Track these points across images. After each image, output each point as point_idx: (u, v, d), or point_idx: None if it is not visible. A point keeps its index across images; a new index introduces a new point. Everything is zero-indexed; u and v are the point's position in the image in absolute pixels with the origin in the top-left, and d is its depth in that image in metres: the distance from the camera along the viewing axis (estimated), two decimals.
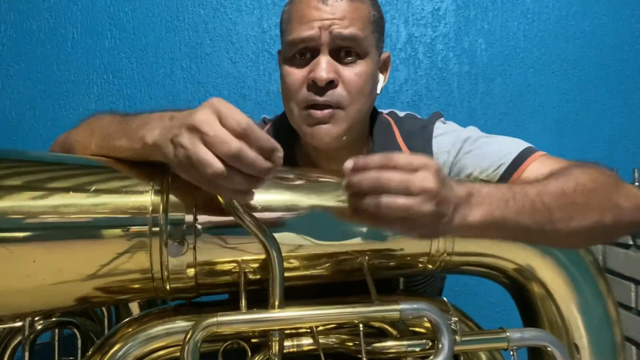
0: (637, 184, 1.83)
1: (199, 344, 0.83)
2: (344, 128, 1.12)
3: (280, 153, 0.81)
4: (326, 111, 1.10)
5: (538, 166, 1.07)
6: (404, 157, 0.81)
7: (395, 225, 0.82)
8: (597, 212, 0.95)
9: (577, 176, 0.96)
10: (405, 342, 0.92)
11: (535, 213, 0.89)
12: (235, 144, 0.77)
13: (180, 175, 0.84)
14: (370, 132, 1.27)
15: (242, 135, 0.78)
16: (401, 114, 1.34)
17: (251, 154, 0.78)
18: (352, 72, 1.11)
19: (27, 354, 1.17)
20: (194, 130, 0.78)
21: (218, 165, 0.77)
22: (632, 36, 2.07)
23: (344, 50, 1.12)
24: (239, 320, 0.84)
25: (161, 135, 0.84)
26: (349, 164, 0.82)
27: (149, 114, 0.93)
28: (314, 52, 1.12)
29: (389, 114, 1.34)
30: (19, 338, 1.25)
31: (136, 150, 0.91)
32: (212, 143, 0.77)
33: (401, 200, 0.78)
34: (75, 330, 1.25)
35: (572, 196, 0.93)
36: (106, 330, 1.32)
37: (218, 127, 0.78)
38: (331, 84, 1.09)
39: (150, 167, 0.93)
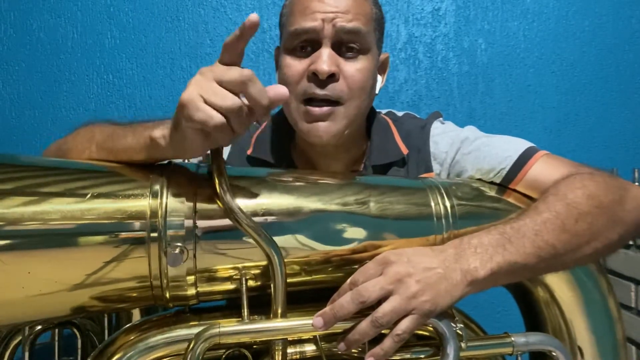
0: (637, 183, 1.83)
1: (200, 356, 0.82)
2: (343, 125, 1.11)
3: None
4: (325, 108, 1.09)
5: (541, 167, 1.06)
6: (359, 274, 0.88)
7: (409, 326, 0.85)
8: (602, 236, 0.96)
9: (578, 202, 0.95)
10: (409, 349, 0.91)
11: (539, 251, 0.90)
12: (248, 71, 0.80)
13: (185, 124, 0.82)
14: (368, 132, 1.27)
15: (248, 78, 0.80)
16: (399, 113, 1.34)
17: (265, 95, 0.81)
18: (354, 67, 1.11)
19: (27, 354, 1.17)
20: (207, 71, 0.81)
21: (237, 100, 0.79)
22: (632, 36, 2.07)
23: (345, 45, 1.11)
24: (241, 330, 0.84)
25: (171, 126, 0.85)
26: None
27: (161, 119, 0.93)
28: (316, 45, 1.11)
29: (387, 113, 1.33)
30: (19, 338, 1.24)
31: (142, 147, 0.90)
32: (226, 81, 0.80)
33: (387, 306, 0.84)
34: (75, 330, 1.24)
35: (574, 229, 0.93)
36: (106, 331, 1.32)
37: (216, 84, 0.80)
38: (332, 78, 1.09)
39: (148, 171, 0.92)
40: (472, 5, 2.05)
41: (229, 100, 0.79)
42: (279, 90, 0.83)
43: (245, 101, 0.81)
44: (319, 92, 1.09)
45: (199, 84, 0.80)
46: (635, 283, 1.75)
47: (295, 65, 1.12)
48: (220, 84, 0.80)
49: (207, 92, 0.79)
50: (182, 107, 0.81)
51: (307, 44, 1.12)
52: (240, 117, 0.80)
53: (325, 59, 1.08)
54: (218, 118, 0.79)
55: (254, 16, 0.77)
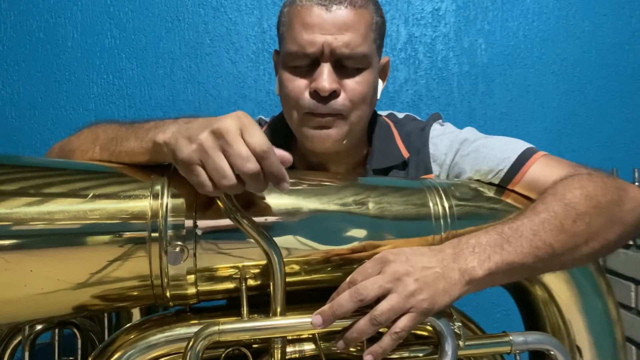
0: (637, 183, 1.83)
1: (200, 354, 0.83)
2: (344, 133, 1.12)
3: (286, 184, 0.84)
4: (329, 117, 1.10)
5: (540, 168, 1.06)
6: (357, 273, 0.88)
7: (407, 325, 0.84)
8: (600, 236, 0.96)
9: (576, 202, 0.95)
10: (407, 348, 0.92)
11: (537, 251, 0.90)
12: (254, 166, 0.79)
13: (180, 173, 0.85)
14: (369, 135, 1.27)
15: (260, 156, 0.80)
16: (400, 115, 1.34)
17: (263, 180, 0.82)
18: (354, 82, 1.11)
19: (27, 354, 1.17)
20: (219, 136, 0.80)
21: (234, 180, 0.79)
22: (632, 36, 2.07)
23: (346, 62, 1.11)
24: (241, 328, 0.84)
25: (174, 134, 0.84)
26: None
27: (161, 119, 0.93)
28: (316, 61, 1.11)
29: (388, 115, 1.34)
30: (19, 338, 1.24)
31: (145, 150, 0.91)
32: (233, 155, 0.79)
33: (385, 304, 0.83)
34: (75, 330, 1.24)
35: (572, 229, 0.93)
36: (106, 330, 1.32)
37: (242, 142, 0.79)
38: (333, 94, 1.09)
39: (149, 172, 0.93)
40: (472, 5, 2.05)
41: (226, 181, 0.79)
42: (283, 160, 0.84)
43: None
44: (322, 110, 1.09)
45: (205, 148, 0.80)
46: (635, 283, 1.75)
47: (296, 81, 1.12)
48: (225, 157, 0.80)
49: (208, 163, 0.80)
50: (181, 163, 0.82)
51: (306, 60, 1.11)
52: (233, 190, 0.82)
53: (325, 77, 1.08)
54: (210, 189, 0.81)
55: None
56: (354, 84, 1.11)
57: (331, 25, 1.08)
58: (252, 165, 0.79)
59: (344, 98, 1.10)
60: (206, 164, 0.80)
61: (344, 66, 1.11)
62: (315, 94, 1.09)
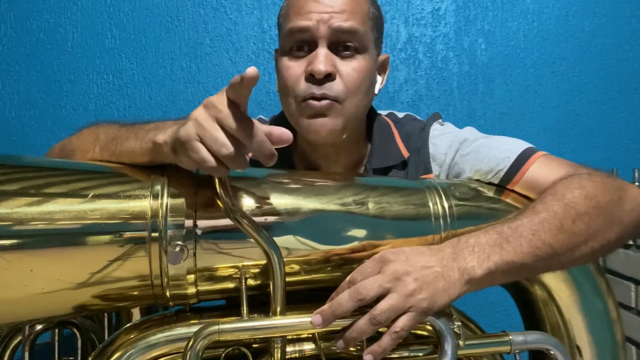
0: (637, 183, 1.83)
1: (200, 353, 0.83)
2: (341, 122, 1.12)
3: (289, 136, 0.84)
4: (324, 102, 1.10)
5: (539, 168, 1.06)
6: (357, 273, 0.88)
7: (407, 324, 0.85)
8: (600, 236, 0.96)
9: (576, 202, 0.95)
10: (407, 347, 0.92)
11: (537, 250, 0.90)
12: (250, 122, 0.80)
13: (181, 163, 0.84)
14: (369, 134, 1.27)
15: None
16: (400, 115, 1.34)
17: (261, 135, 0.81)
18: (350, 67, 1.11)
19: (27, 354, 1.17)
20: (210, 107, 0.80)
21: (232, 148, 0.79)
22: (632, 36, 2.07)
23: (342, 44, 1.12)
24: (241, 328, 0.84)
25: (173, 132, 0.84)
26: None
27: (162, 121, 0.94)
28: (312, 46, 1.11)
29: (388, 115, 1.33)
30: (19, 338, 1.25)
31: (145, 150, 0.91)
32: (226, 119, 0.79)
33: (385, 303, 0.84)
34: (75, 330, 1.25)
35: (571, 229, 0.93)
36: (106, 330, 1.32)
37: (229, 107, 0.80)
38: (329, 77, 1.09)
39: (149, 172, 0.93)
40: (472, 5, 2.05)
41: (226, 149, 0.79)
42: (284, 136, 0.84)
43: None
44: (317, 91, 1.09)
45: (199, 121, 0.80)
46: (635, 283, 1.74)
47: (292, 67, 1.12)
48: (221, 127, 0.80)
49: (205, 135, 0.79)
50: (180, 143, 0.82)
51: (303, 44, 1.12)
52: (236, 162, 0.81)
53: (321, 59, 1.08)
54: (212, 163, 0.80)
55: (252, 70, 0.75)
56: (349, 69, 1.11)
57: (327, 6, 1.10)
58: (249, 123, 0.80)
59: (339, 82, 1.10)
60: (204, 137, 0.79)
61: (339, 50, 1.12)
62: (311, 78, 1.09)
